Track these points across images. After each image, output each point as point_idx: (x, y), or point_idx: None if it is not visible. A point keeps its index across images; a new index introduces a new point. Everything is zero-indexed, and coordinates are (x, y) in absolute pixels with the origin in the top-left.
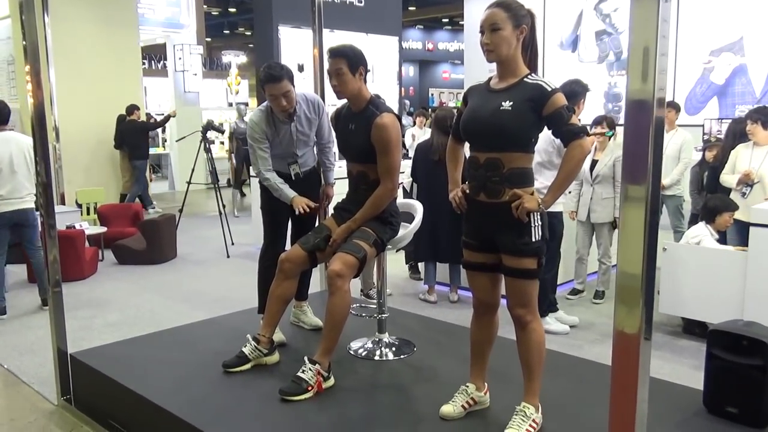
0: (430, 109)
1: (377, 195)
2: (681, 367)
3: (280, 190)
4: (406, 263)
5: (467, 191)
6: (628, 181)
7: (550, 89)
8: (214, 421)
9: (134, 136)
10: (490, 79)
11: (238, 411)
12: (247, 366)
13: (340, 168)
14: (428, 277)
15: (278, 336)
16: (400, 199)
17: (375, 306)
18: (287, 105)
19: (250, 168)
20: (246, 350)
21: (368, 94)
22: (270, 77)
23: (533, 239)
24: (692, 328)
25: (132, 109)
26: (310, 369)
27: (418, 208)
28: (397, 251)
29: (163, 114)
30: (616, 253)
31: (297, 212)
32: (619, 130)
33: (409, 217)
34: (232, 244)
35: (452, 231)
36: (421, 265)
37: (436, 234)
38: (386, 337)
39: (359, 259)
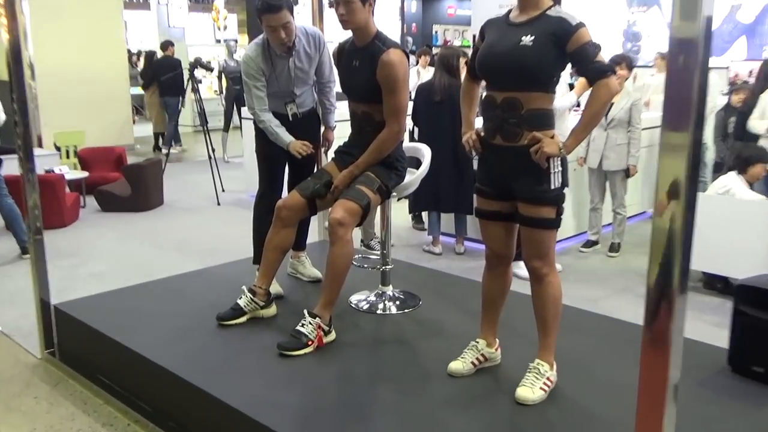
0: (433, 48)
1: (382, 138)
2: (702, 325)
3: (276, 133)
4: (410, 212)
5: (482, 134)
6: (669, 127)
7: (574, 23)
8: (209, 377)
9: (169, 73)
10: (509, 12)
11: (235, 366)
12: (243, 319)
13: (340, 111)
14: (432, 227)
15: (275, 288)
16: (406, 143)
17: (377, 257)
18: (286, 38)
19: (242, 110)
20: (241, 302)
21: (375, 28)
22: (268, 7)
23: (552, 186)
24: (714, 284)
25: (167, 44)
26: (310, 323)
27: (425, 153)
28: (399, 200)
29: (145, 51)
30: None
31: (296, 157)
32: (638, 72)
33: (416, 163)
34: (223, 191)
35: (455, 179)
36: (425, 215)
37: (437, 182)
38: (390, 290)
39: (362, 206)
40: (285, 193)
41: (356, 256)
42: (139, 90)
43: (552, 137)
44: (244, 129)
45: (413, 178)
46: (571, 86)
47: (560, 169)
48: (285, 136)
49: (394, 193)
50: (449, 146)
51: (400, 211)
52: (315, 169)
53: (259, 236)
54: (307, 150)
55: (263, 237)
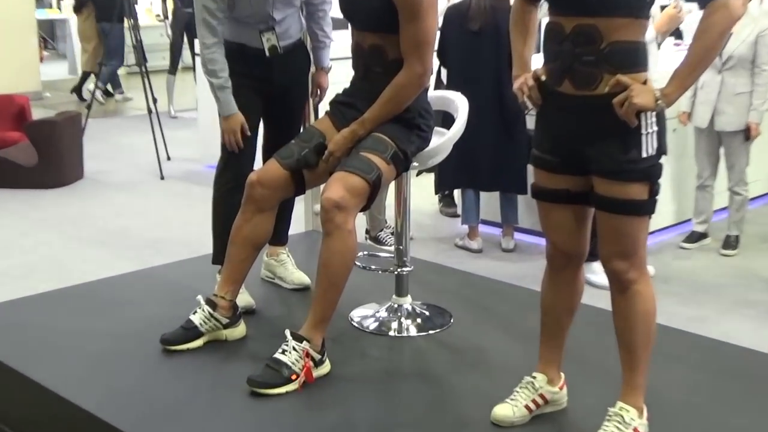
0: None
1: (400, 83)
2: None
3: (219, 88)
4: (437, 192)
5: (542, 77)
6: None
7: None
8: (148, 425)
9: None
10: None
11: (185, 410)
12: (198, 342)
13: (338, 44)
14: (468, 213)
15: (244, 299)
16: (432, 91)
17: (390, 256)
18: None
19: (194, 43)
20: (196, 319)
21: None
22: None
23: (644, 154)
24: None
25: None
26: (294, 348)
27: (459, 106)
28: (418, 174)
29: None
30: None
31: (225, 143)
32: None
33: (445, 120)
34: (168, 158)
35: (501, 143)
36: (458, 195)
37: (475, 147)
38: (408, 303)
39: (370, 182)
40: (259, 163)
41: (360, 254)
42: (49, 13)
43: (644, 83)
44: (200, 71)
45: (442, 141)
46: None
47: (655, 129)
48: (227, 101)
49: (415, 164)
50: (492, 96)
51: (422, 189)
52: (302, 129)
53: (221, 225)
54: (238, 141)
55: (228, 226)
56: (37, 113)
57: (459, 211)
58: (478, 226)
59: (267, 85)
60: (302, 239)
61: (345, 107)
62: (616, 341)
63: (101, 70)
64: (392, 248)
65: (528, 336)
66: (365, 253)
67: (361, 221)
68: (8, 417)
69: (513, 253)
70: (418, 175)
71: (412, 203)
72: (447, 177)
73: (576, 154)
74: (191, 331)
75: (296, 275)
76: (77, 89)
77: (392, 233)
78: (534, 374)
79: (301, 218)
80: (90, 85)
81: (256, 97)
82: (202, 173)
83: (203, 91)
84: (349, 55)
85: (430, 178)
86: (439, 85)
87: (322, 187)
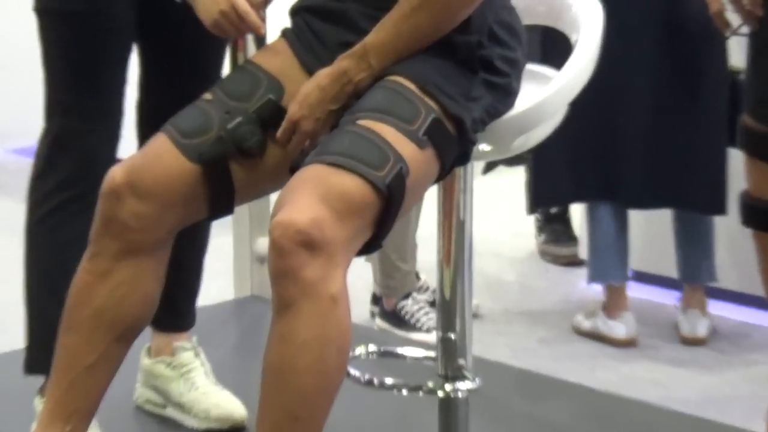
0: None
1: None
2: None
3: None
4: (532, 211)
5: None
6: None
7: None
8: None
9: None
10: None
11: None
12: None
13: None
14: (604, 258)
15: None
16: None
17: (428, 355)
18: None
19: None
20: None
21: None
22: None
23: None
24: None
25: None
26: None
27: (584, 16)
28: (488, 171)
29: None
30: None
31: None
32: None
33: (549, 50)
34: None
35: (671, 114)
36: (580, 217)
37: (616, 123)
38: None
39: (380, 187)
40: (131, 146)
41: (359, 350)
42: None
43: None
44: None
45: (544, 99)
46: None
47: None
48: None
49: (485, 147)
50: (652, 9)
51: (500, 201)
52: (228, 66)
53: (45, 288)
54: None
55: (58, 289)
56: None
57: (582, 252)
58: (626, 287)
59: None
60: (230, 317)
61: (322, 21)
62: None
63: None
64: (431, 336)
65: None
66: (372, 350)
67: (361, 275)
68: None
69: (706, 349)
70: (487, 172)
71: (478, 234)
72: (556, 179)
73: None
74: None
75: (214, 399)
76: None
77: (431, 302)
78: None
79: (225, 270)
80: None
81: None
82: None
83: None
84: None
85: (515, 179)
86: None
87: (273, 198)
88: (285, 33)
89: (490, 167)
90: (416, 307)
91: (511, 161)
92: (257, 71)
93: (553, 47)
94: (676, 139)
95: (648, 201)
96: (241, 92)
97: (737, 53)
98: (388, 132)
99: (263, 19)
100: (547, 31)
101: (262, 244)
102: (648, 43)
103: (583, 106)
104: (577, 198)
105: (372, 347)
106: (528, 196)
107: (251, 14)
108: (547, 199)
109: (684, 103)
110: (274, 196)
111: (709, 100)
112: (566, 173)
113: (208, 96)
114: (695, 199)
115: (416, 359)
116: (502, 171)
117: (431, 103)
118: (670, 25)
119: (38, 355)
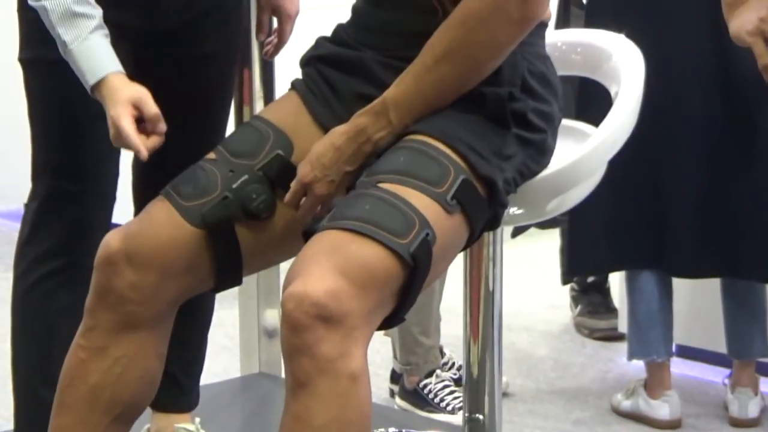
0: None
1: (473, 11)
2: None
3: (70, 40)
4: (566, 281)
5: None
6: None
7: None
8: None
9: None
10: None
11: None
12: None
13: None
14: (646, 333)
15: None
16: (558, 33)
17: (447, 430)
18: None
19: None
20: None
21: None
22: None
23: None
24: None
25: None
26: None
27: (625, 67)
28: (516, 234)
29: None
30: None
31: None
32: None
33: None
34: None
35: (721, 174)
36: (620, 286)
37: (662, 185)
38: None
39: (403, 256)
40: (128, 211)
41: None
42: None
43: None
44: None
45: (582, 157)
46: None
47: None
48: (98, 62)
49: (516, 210)
50: (701, 65)
51: (530, 269)
52: (233, 125)
53: (36, 360)
54: (144, 145)
55: (51, 369)
56: None
57: (622, 326)
58: (670, 364)
59: (146, 25)
60: (236, 396)
61: (337, 71)
62: None
63: None
64: (457, 417)
65: None
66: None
67: (379, 350)
68: None
69: (760, 431)
70: (516, 235)
71: (508, 306)
72: (594, 245)
73: None
74: None
75: None
76: None
77: (456, 380)
78: None
79: (231, 345)
80: None
81: (124, 47)
82: None
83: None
84: None
85: (549, 243)
86: (566, 20)
87: (283, 269)
88: (295, 85)
89: (520, 230)
90: (440, 385)
91: (545, 223)
92: (264, 126)
93: (590, 100)
94: (730, 201)
95: (698, 269)
96: (246, 149)
97: None
98: (413, 195)
99: (272, 57)
100: (583, 82)
101: (271, 317)
102: (697, 98)
103: (623, 164)
104: (618, 266)
105: (392, 430)
106: (563, 263)
107: (131, 137)
108: (583, 267)
109: (738, 163)
110: (284, 266)
111: (765, 158)
112: (605, 238)
113: (211, 156)
114: (750, 267)
115: None
116: (533, 234)
117: (460, 162)
118: (719, 79)
119: None
